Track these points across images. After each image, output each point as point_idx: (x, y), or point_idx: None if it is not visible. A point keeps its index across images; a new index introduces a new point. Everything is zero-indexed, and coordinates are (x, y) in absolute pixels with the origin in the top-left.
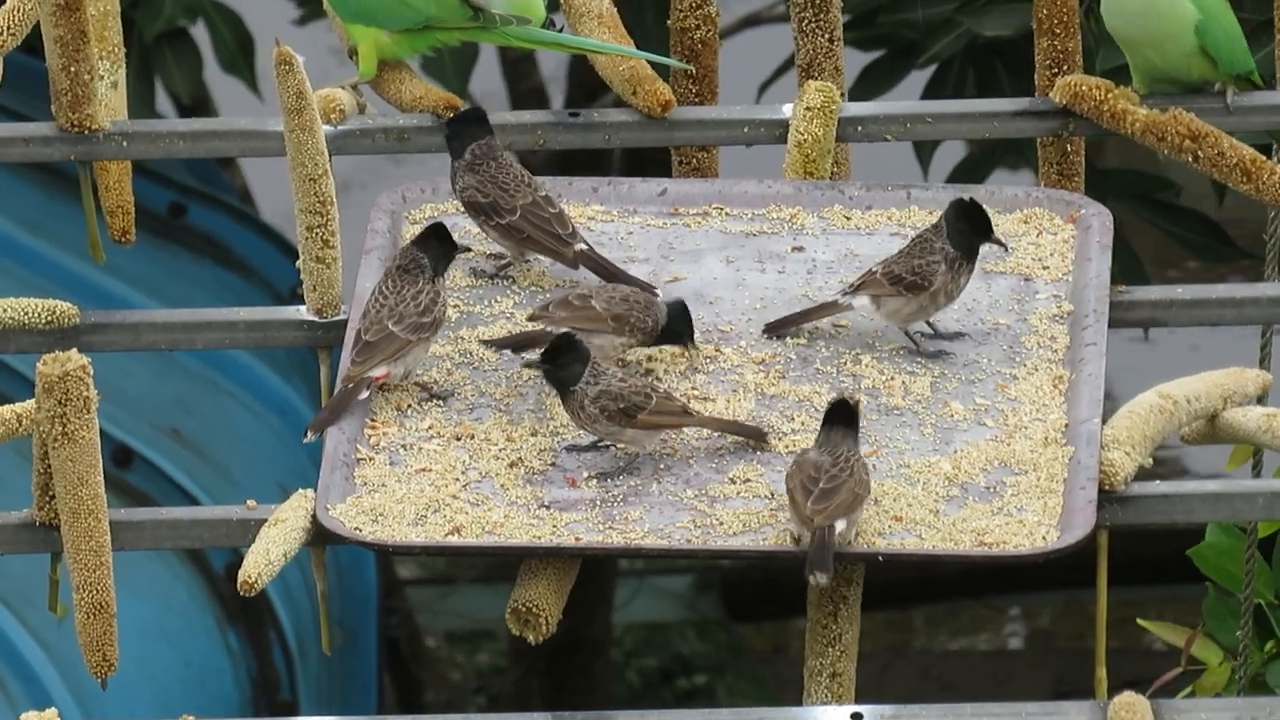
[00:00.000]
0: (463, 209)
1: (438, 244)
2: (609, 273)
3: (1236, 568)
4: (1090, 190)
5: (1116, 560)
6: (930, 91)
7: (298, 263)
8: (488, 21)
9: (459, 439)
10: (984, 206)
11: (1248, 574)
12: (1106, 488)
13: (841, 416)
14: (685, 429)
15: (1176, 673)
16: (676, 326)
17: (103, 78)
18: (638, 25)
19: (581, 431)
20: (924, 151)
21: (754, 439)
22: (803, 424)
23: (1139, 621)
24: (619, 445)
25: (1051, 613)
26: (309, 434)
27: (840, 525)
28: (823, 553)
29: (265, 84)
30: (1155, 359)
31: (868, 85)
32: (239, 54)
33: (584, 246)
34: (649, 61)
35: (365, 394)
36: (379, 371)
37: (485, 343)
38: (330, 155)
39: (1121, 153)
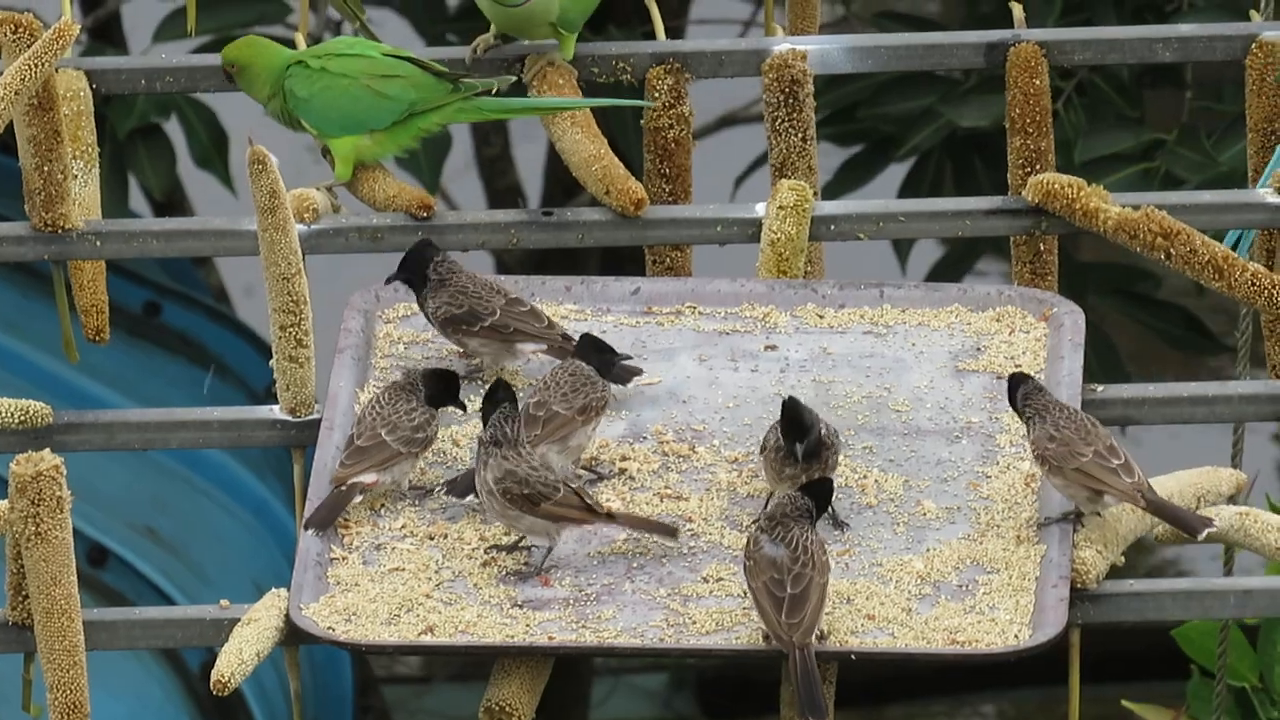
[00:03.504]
0: (439, 330)
1: (443, 386)
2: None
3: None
4: (1069, 284)
5: (1094, 656)
6: (908, 184)
7: (271, 362)
8: (468, 90)
9: (432, 538)
10: (800, 408)
11: (1220, 656)
12: (1079, 586)
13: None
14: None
15: None
16: (594, 358)
17: (76, 177)
18: (616, 123)
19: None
20: (902, 249)
21: (665, 536)
22: None
23: (1124, 702)
24: (529, 539)
25: (1026, 710)
26: (309, 531)
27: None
28: (811, 690)
29: (239, 178)
30: (1134, 451)
31: (847, 180)
32: (213, 149)
33: (565, 333)
34: (617, 107)
35: (359, 498)
36: (369, 478)
37: (449, 491)
38: (304, 254)
39: (1100, 245)
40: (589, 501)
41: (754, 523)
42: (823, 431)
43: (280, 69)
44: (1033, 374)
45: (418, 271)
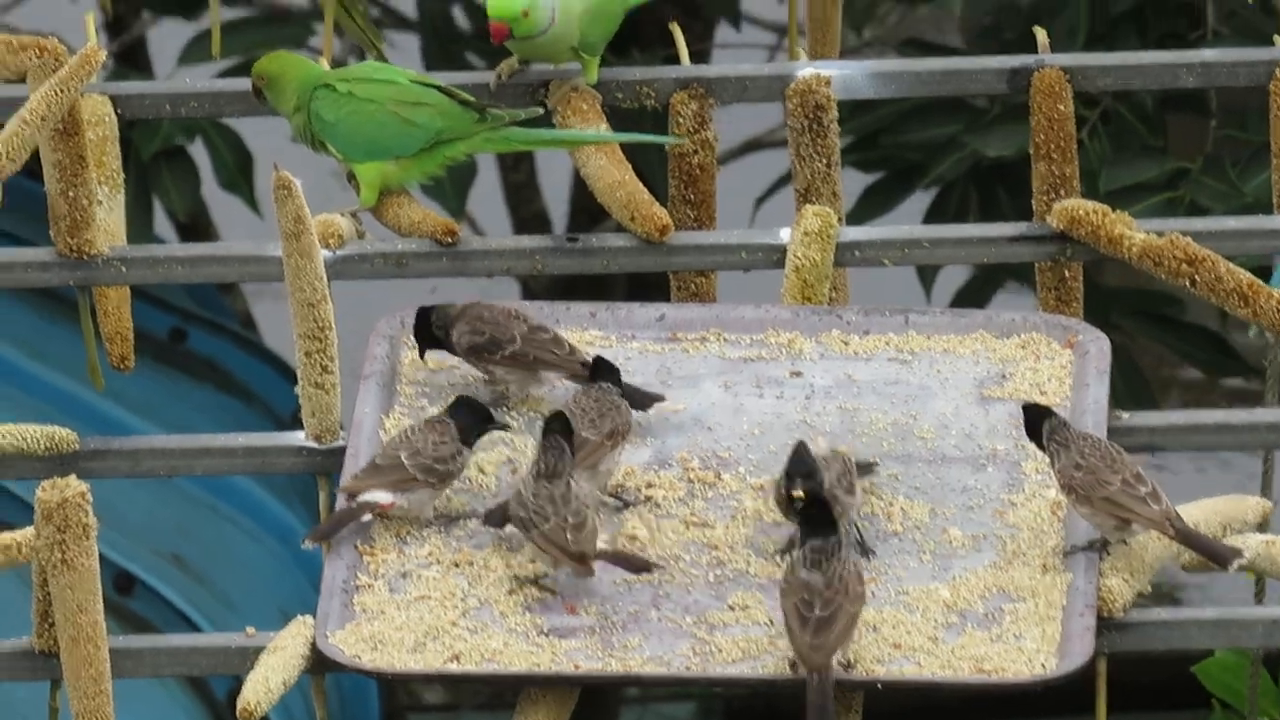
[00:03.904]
0: (464, 359)
1: (474, 418)
2: (610, 370)
3: (1242, 685)
4: (1094, 308)
5: (1118, 685)
6: (933, 213)
7: (297, 388)
8: (495, 120)
9: (458, 566)
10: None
11: (1250, 692)
12: (1105, 614)
13: (821, 527)
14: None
15: None
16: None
17: (101, 202)
18: (640, 149)
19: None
20: (927, 276)
21: (640, 570)
22: None
23: None
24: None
25: None
26: (307, 542)
27: (836, 656)
28: (823, 711)
29: (264, 200)
30: (1160, 478)
31: (869, 206)
32: (238, 172)
33: (586, 360)
34: (645, 142)
35: (368, 517)
36: (385, 499)
37: (487, 521)
38: (329, 280)
39: (1125, 271)
40: (578, 549)
41: (786, 550)
42: (828, 485)
43: (308, 84)
44: (1053, 406)
45: (428, 333)
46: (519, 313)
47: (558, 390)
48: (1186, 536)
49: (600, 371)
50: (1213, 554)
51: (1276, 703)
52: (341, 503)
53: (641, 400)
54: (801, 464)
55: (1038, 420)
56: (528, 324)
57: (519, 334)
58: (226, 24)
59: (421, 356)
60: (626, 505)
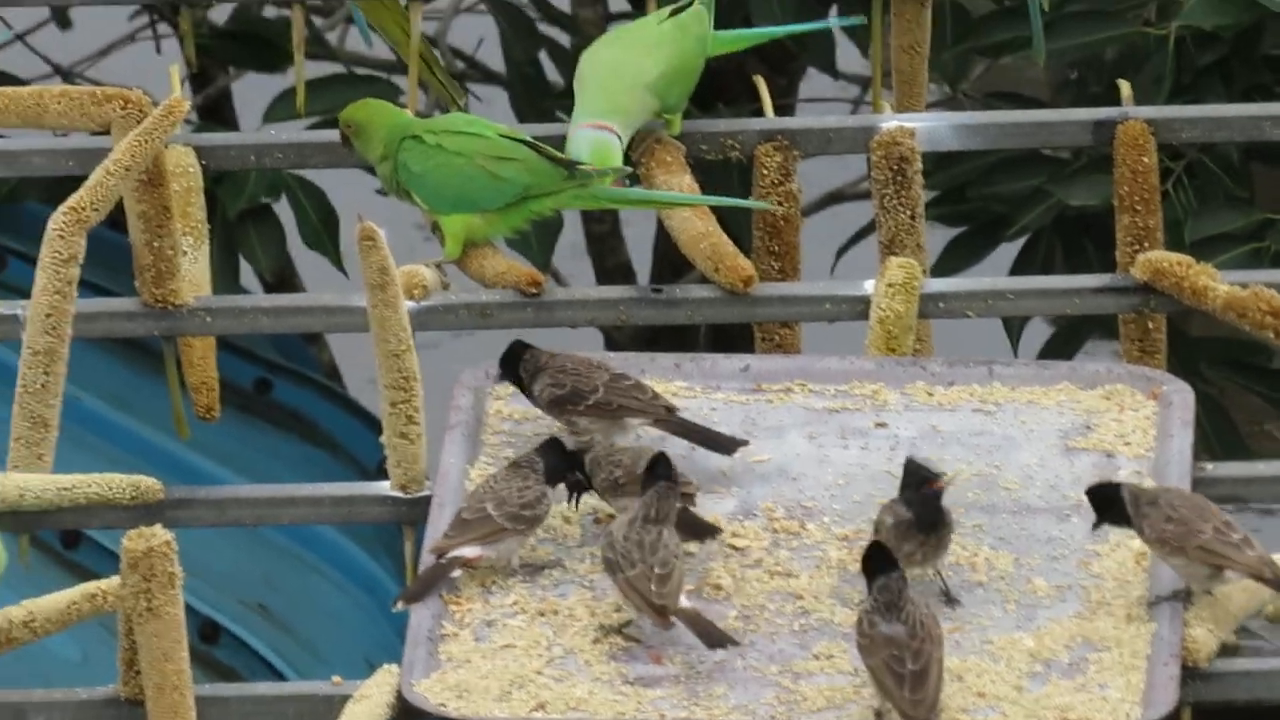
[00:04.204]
0: (545, 412)
1: (560, 458)
2: (702, 434)
3: None
4: (1181, 358)
5: None
6: (1019, 265)
7: (382, 438)
8: (583, 178)
9: (543, 614)
10: (920, 465)
11: None
12: (1189, 664)
13: (881, 562)
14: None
15: None
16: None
17: (186, 253)
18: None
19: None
20: (1013, 328)
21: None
22: None
23: None
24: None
25: None
26: (398, 604)
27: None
28: None
29: (349, 258)
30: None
31: (955, 260)
32: (322, 229)
33: (670, 405)
34: (735, 207)
35: (459, 572)
36: (473, 552)
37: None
38: (414, 331)
39: (1211, 321)
40: (650, 594)
41: (862, 601)
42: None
43: (397, 133)
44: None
45: (512, 369)
46: (600, 363)
47: (644, 439)
48: None
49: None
50: None
51: None
52: (427, 556)
53: (726, 445)
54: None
55: (1112, 496)
56: (609, 372)
57: (601, 383)
58: (311, 81)
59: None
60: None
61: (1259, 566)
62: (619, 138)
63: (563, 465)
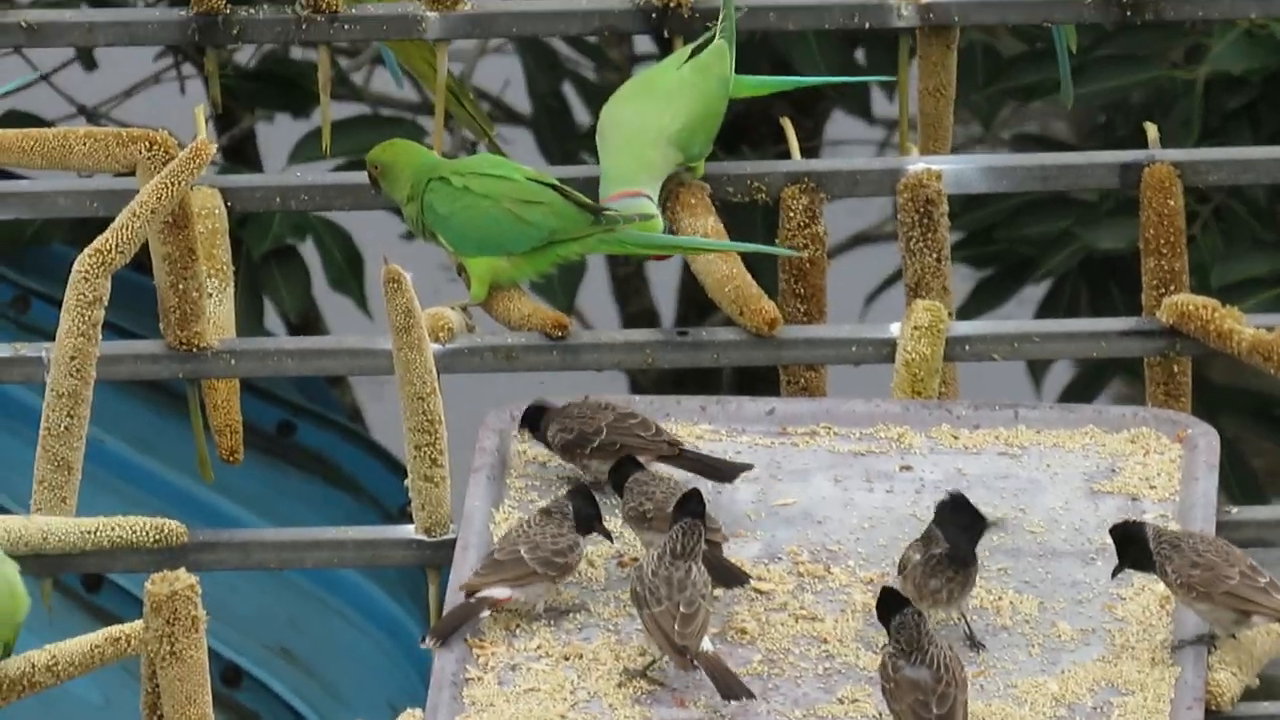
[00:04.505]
0: (561, 458)
1: (584, 504)
2: (705, 465)
3: None
4: (1203, 406)
5: None
6: (1045, 308)
7: (406, 481)
8: (610, 223)
9: (567, 659)
10: (969, 502)
11: None
12: (1213, 708)
13: (893, 603)
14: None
15: None
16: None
17: (211, 295)
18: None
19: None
20: (1037, 370)
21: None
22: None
23: None
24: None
25: None
26: (426, 641)
27: None
28: None
29: (374, 299)
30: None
31: (981, 302)
32: (348, 271)
33: (672, 439)
34: (761, 253)
35: (487, 613)
36: (503, 593)
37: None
38: (439, 373)
39: (1233, 369)
40: (673, 634)
41: (885, 645)
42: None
43: (424, 174)
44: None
45: (533, 426)
46: (608, 404)
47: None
48: None
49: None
50: None
51: None
52: (453, 597)
53: (727, 472)
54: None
55: (1135, 535)
56: (615, 412)
57: (605, 424)
58: (337, 122)
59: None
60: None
61: None
62: (649, 198)
63: (592, 513)
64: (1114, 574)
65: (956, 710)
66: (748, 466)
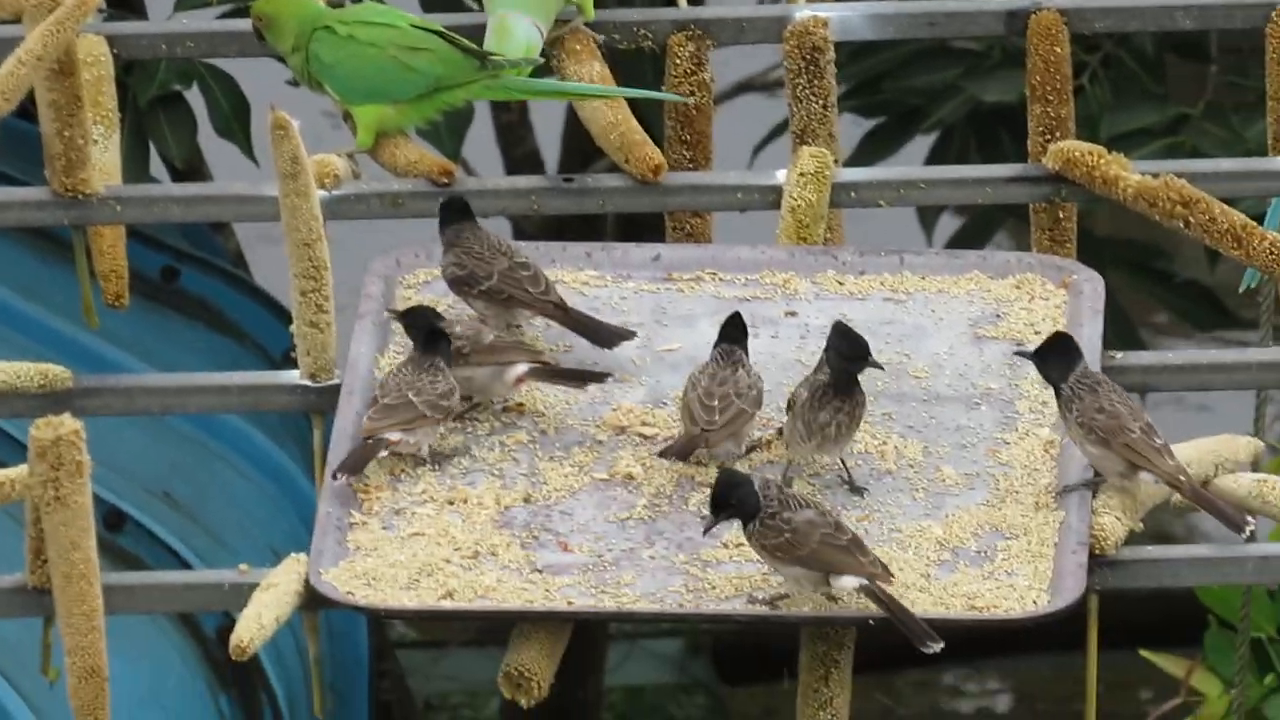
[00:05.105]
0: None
1: (440, 340)
2: (589, 328)
3: (1238, 600)
4: (1086, 258)
5: (1106, 621)
6: (933, 158)
7: (291, 327)
8: (495, 68)
9: (452, 503)
10: (850, 330)
11: (1243, 619)
12: (1097, 552)
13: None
14: None
15: (1175, 703)
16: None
17: (96, 142)
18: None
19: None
20: (927, 219)
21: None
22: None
23: (1141, 652)
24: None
25: (1042, 676)
26: (339, 476)
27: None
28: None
29: (260, 148)
30: (1160, 419)
31: (870, 151)
32: (233, 118)
33: (560, 299)
34: (648, 99)
35: (383, 454)
36: (394, 436)
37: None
38: (325, 220)
39: (1116, 221)
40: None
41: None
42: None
43: (308, 25)
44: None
45: (443, 223)
46: (507, 248)
47: (535, 324)
48: (1197, 495)
49: (730, 333)
50: (1224, 517)
51: (1272, 618)
52: (339, 442)
53: (608, 338)
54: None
55: (1068, 349)
56: (510, 260)
57: (498, 270)
58: None
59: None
60: (751, 450)
61: (1175, 476)
62: (539, 30)
63: (440, 348)
64: (1016, 351)
65: (857, 533)
66: (630, 334)
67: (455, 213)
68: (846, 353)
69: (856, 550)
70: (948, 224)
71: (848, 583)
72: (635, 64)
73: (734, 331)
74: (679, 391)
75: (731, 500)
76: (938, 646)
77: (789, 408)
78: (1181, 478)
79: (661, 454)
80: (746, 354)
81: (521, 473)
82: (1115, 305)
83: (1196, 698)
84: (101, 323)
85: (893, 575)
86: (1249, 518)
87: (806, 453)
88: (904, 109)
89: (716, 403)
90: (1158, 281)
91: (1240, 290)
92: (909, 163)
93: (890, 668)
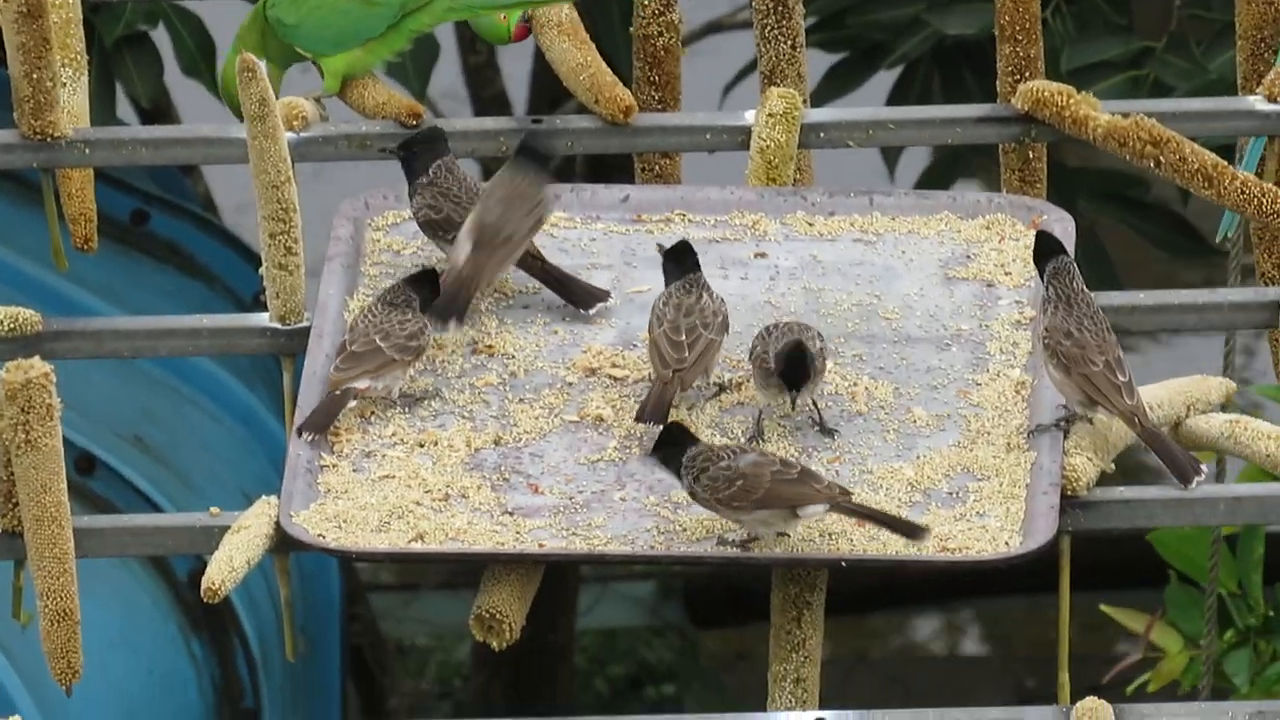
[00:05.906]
0: (419, 228)
1: (430, 286)
2: (564, 285)
3: (1199, 555)
4: (1059, 189)
5: (1079, 565)
6: (896, 93)
7: (260, 269)
8: None
9: (422, 446)
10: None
11: (1212, 570)
12: (1069, 493)
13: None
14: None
15: (1135, 659)
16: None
17: (65, 84)
18: (604, 33)
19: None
20: (890, 157)
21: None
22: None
23: (1102, 608)
24: None
25: (1014, 618)
26: (304, 434)
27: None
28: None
29: None
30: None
31: (833, 86)
32: (200, 58)
33: (536, 251)
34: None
35: (353, 403)
36: (362, 384)
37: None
38: (293, 162)
39: (1088, 152)
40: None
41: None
42: (816, 347)
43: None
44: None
45: (418, 160)
46: (484, 192)
47: (518, 274)
48: (1151, 438)
49: (675, 259)
50: (1175, 464)
51: (1232, 574)
52: (309, 385)
53: (583, 299)
54: (798, 365)
55: (1047, 252)
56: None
57: None
58: None
59: (386, 151)
60: (722, 390)
61: (1130, 416)
62: None
63: (433, 297)
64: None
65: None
66: (605, 295)
67: (432, 144)
68: (788, 379)
69: (810, 479)
70: (912, 159)
71: (814, 510)
72: (603, 4)
73: (688, 259)
74: (648, 333)
75: (663, 452)
76: (927, 538)
77: (750, 355)
78: (1136, 419)
79: (637, 418)
80: (701, 272)
81: (492, 415)
82: (1091, 240)
83: (1156, 654)
84: (71, 266)
85: (851, 492)
86: (1202, 466)
87: (774, 395)
88: (867, 44)
89: (684, 337)
90: (1131, 211)
91: (1217, 240)
92: (871, 98)
93: (862, 610)
